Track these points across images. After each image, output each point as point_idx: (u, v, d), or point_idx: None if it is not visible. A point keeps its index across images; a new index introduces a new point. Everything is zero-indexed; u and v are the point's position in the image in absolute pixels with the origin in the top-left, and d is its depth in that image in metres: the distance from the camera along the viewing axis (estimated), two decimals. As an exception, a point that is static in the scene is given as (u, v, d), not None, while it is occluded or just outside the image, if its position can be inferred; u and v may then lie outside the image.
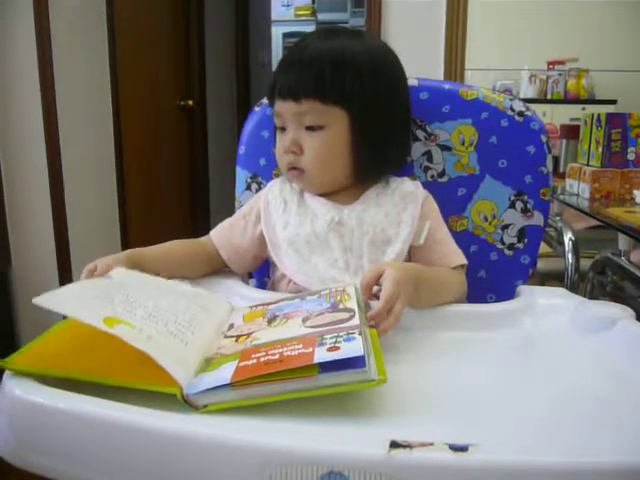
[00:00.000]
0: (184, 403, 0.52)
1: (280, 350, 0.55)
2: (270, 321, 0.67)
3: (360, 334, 0.56)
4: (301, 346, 0.55)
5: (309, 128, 0.83)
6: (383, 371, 0.53)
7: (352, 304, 0.66)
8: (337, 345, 0.54)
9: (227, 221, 0.94)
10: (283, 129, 0.86)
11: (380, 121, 0.86)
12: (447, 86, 0.99)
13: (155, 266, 0.81)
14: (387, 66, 0.87)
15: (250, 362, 0.55)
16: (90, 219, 2.21)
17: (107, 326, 0.53)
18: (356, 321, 0.60)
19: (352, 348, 0.53)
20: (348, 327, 0.59)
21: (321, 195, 0.89)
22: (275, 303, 0.74)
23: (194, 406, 0.52)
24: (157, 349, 0.53)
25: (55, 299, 0.58)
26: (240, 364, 0.55)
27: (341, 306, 0.66)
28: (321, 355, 0.52)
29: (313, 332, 0.59)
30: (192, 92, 3.12)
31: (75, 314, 0.55)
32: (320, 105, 0.82)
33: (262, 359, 0.54)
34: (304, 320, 0.64)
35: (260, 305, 0.75)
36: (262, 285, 1.00)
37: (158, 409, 0.49)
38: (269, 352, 0.55)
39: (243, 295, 0.82)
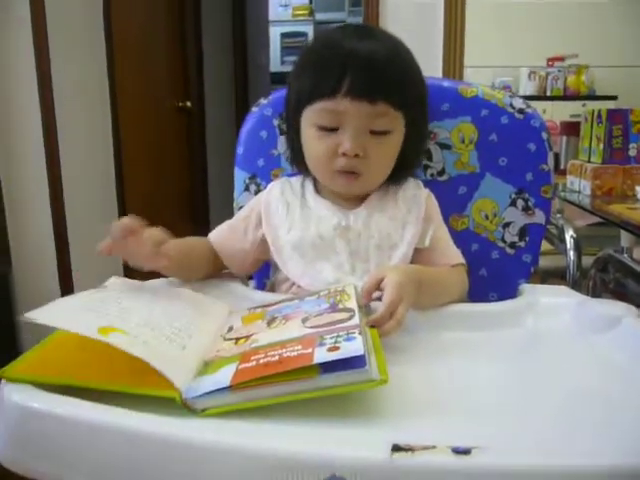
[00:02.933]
0: (183, 407, 0.51)
1: (279, 351, 0.55)
2: (269, 323, 0.66)
3: (360, 333, 0.56)
4: (300, 347, 0.55)
5: (374, 132, 0.80)
6: (384, 371, 0.52)
7: (351, 304, 0.66)
8: (337, 345, 0.53)
9: (226, 224, 0.93)
10: (333, 129, 0.81)
11: (423, 126, 0.88)
12: (446, 84, 0.99)
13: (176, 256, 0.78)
14: (421, 73, 0.88)
15: (249, 364, 0.54)
16: (90, 220, 2.20)
17: (102, 335, 0.53)
18: (356, 320, 0.60)
19: (352, 347, 0.52)
20: (348, 327, 0.58)
21: (325, 198, 0.88)
22: (274, 305, 0.73)
23: (193, 410, 0.51)
24: (153, 354, 0.52)
25: (49, 313, 0.57)
26: (240, 366, 0.54)
27: (340, 306, 0.66)
28: (321, 355, 0.52)
29: (313, 333, 0.59)
30: (190, 93, 3.11)
31: (69, 327, 0.54)
32: (391, 109, 0.80)
33: (262, 361, 0.54)
34: (303, 321, 0.63)
35: (259, 307, 0.74)
36: (262, 287, 0.99)
37: (157, 414, 0.49)
38: (268, 354, 0.55)
39: (244, 297, 0.82)
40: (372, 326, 0.64)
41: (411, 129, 0.84)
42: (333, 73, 0.78)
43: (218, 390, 0.51)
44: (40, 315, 0.55)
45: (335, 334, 0.56)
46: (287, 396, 0.51)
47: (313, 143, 0.84)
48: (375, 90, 0.78)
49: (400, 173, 0.88)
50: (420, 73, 0.86)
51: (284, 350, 0.55)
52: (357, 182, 0.83)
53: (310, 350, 0.53)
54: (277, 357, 0.54)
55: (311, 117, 0.82)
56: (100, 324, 0.55)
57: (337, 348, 0.53)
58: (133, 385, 0.52)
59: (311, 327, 0.61)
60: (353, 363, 0.51)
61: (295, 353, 0.54)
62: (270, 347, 0.57)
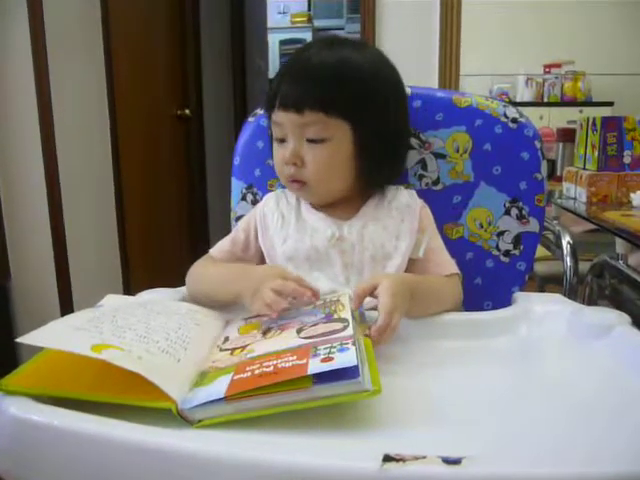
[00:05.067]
0: (179, 418, 0.52)
1: (274, 362, 0.56)
2: (265, 333, 0.67)
3: (354, 344, 0.56)
4: (295, 357, 0.55)
5: (311, 140, 0.82)
6: (377, 382, 0.53)
7: (346, 314, 0.66)
8: (331, 356, 0.54)
9: (226, 239, 0.93)
10: (282, 140, 0.85)
11: (381, 133, 0.86)
12: (440, 94, 1.00)
13: None
14: (388, 79, 0.88)
15: (244, 375, 0.55)
16: (88, 231, 2.21)
17: (95, 353, 0.53)
18: (350, 331, 0.61)
19: (346, 358, 0.53)
20: (342, 337, 0.59)
21: (319, 210, 0.89)
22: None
23: (189, 421, 0.52)
24: (148, 367, 0.53)
25: (42, 335, 0.57)
26: (235, 377, 0.55)
27: (335, 316, 0.67)
28: (315, 366, 0.52)
29: (307, 343, 0.59)
30: (189, 101, 3.12)
31: (62, 347, 0.54)
32: (324, 117, 0.81)
33: (256, 371, 0.55)
34: (298, 331, 0.64)
35: (255, 317, 0.75)
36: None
37: (153, 426, 0.49)
38: (263, 364, 0.56)
39: (242, 307, 0.82)
40: (366, 335, 0.65)
41: (361, 137, 0.84)
42: (274, 86, 0.84)
43: (213, 401, 0.52)
44: (34, 338, 0.55)
45: (329, 345, 0.57)
46: (281, 407, 0.52)
47: (273, 153, 0.88)
48: (299, 100, 0.80)
49: (366, 181, 0.88)
50: (377, 81, 0.85)
51: (279, 360, 0.56)
52: (305, 190, 0.86)
53: (304, 361, 0.54)
54: (272, 368, 0.54)
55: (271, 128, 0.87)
56: (93, 342, 0.55)
57: (331, 359, 0.53)
58: (130, 397, 0.53)
59: (306, 337, 0.62)
60: (346, 374, 0.51)
61: (289, 364, 0.54)
62: (265, 357, 0.58)
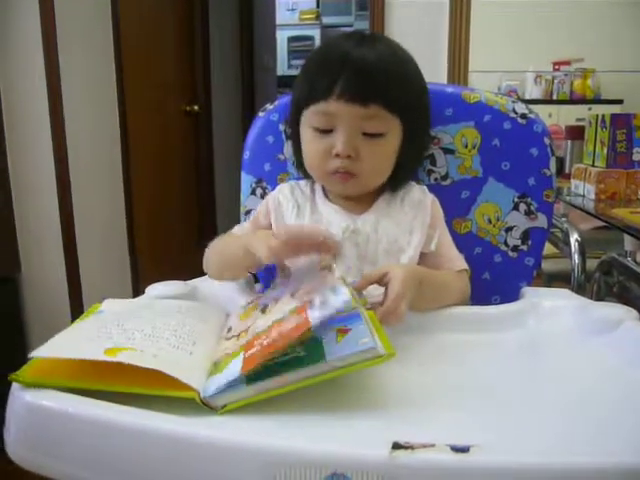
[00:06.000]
0: (203, 406, 0.53)
1: (278, 329, 0.57)
2: (263, 310, 0.68)
3: (345, 285, 0.60)
4: (295, 317, 0.57)
5: (367, 134, 0.82)
6: (389, 346, 0.54)
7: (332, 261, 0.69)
8: (324, 299, 0.58)
9: (247, 223, 0.94)
10: (327, 131, 0.83)
11: (422, 130, 0.89)
12: (450, 89, 1.00)
13: None
14: (422, 75, 0.90)
15: (254, 350, 0.56)
16: (98, 223, 2.22)
17: (109, 356, 0.53)
18: (337, 273, 0.64)
19: (340, 298, 0.56)
20: (331, 281, 0.62)
21: (334, 202, 0.90)
22: (263, 294, 0.76)
23: (212, 408, 0.53)
24: (165, 364, 0.53)
25: (53, 347, 0.57)
26: (246, 354, 0.56)
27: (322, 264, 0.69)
28: (314, 315, 0.55)
29: (303, 302, 0.61)
30: (197, 97, 3.13)
31: (76, 355, 0.54)
32: (384, 112, 0.81)
33: (265, 342, 0.56)
34: (292, 295, 0.66)
35: (251, 302, 0.76)
36: (269, 287, 1.00)
37: (170, 414, 0.50)
38: (270, 335, 0.57)
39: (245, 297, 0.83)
40: (369, 308, 0.66)
41: (409, 133, 0.85)
42: (327, 76, 0.81)
43: (233, 385, 0.53)
44: (46, 351, 0.55)
45: (321, 293, 0.59)
46: (300, 382, 0.53)
47: (309, 145, 0.86)
48: (367, 92, 0.79)
49: (399, 177, 0.89)
50: (420, 80, 0.88)
51: (281, 326, 0.57)
52: (352, 182, 0.84)
53: (303, 316, 0.56)
54: (276, 335, 0.56)
55: (308, 119, 0.85)
56: (106, 347, 0.55)
57: (325, 302, 0.56)
58: (151, 388, 0.53)
59: (300, 296, 0.64)
60: (351, 320, 0.56)
61: (291, 324, 0.56)
62: (269, 329, 0.59)
